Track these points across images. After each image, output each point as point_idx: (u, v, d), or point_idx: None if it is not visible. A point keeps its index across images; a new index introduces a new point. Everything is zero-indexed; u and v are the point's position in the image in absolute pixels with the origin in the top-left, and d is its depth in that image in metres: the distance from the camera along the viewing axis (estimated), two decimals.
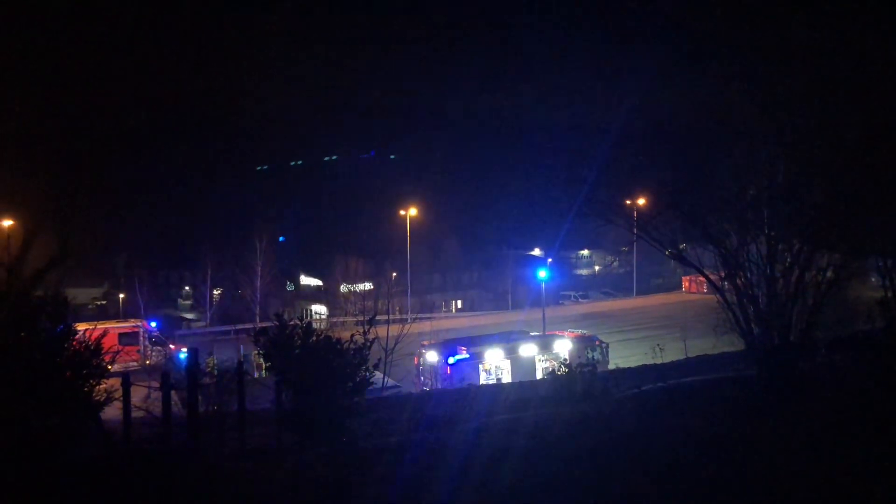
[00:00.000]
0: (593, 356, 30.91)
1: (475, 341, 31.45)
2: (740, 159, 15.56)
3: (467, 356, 29.46)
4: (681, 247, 17.60)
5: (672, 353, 29.38)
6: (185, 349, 36.19)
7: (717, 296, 16.32)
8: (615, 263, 71.95)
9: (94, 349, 11.58)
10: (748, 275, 15.72)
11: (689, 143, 16.08)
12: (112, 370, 12.16)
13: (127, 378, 13.49)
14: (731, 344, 18.16)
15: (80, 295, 43.42)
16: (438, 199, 66.30)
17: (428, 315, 45.27)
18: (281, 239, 60.42)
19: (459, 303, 69.57)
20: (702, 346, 27.71)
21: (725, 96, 15.25)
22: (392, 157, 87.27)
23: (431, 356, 29.80)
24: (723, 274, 16.38)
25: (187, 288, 70.06)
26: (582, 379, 17.63)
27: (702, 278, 18.23)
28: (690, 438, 12.20)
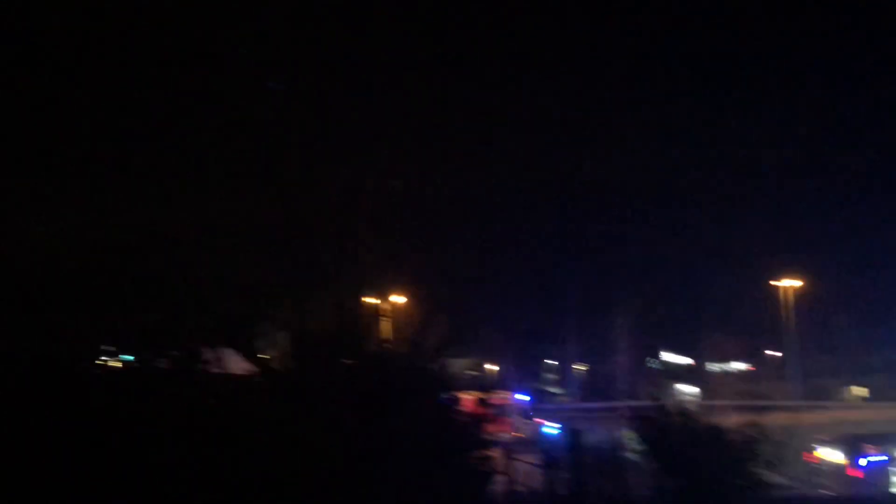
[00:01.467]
0: None
1: (889, 439, 26.48)
2: None
3: (884, 458, 24.91)
4: None
5: None
6: (553, 424, 36.80)
7: None
8: None
9: (479, 418, 12.05)
10: None
11: None
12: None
13: (509, 451, 13.98)
14: None
15: (452, 365, 47.42)
16: (822, 262, 58.26)
17: (821, 403, 40.06)
18: None
19: (865, 391, 59.33)
20: None
21: None
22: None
23: (831, 454, 25.92)
24: None
25: (551, 361, 72.40)
26: None
27: None
28: None
